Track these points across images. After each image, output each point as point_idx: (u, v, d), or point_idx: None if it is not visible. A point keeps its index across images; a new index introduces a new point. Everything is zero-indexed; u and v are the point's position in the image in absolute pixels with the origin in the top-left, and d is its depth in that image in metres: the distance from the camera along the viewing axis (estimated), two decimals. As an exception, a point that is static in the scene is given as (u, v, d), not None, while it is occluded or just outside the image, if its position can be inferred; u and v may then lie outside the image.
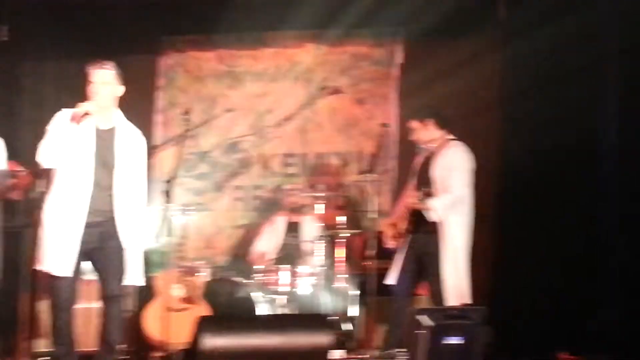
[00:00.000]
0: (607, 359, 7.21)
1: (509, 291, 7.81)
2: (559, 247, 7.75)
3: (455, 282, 6.76)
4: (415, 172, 7.13)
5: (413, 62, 9.04)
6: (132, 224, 5.96)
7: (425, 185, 6.86)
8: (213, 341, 5.96)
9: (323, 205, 7.81)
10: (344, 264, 7.61)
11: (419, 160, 7.13)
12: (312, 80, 9.33)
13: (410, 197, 6.94)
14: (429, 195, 6.72)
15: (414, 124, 7.08)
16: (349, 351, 7.16)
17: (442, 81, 8.43)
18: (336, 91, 9.23)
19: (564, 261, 7.70)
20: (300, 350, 6.07)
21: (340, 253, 7.60)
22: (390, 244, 7.10)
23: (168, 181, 6.87)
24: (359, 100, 9.26)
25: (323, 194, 7.85)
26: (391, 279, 7.05)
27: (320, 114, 9.26)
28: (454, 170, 6.84)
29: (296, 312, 7.46)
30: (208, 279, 7.90)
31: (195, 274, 7.75)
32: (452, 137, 7.04)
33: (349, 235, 7.69)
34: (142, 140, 6.12)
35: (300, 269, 7.60)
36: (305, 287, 7.56)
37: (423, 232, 6.89)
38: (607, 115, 8.05)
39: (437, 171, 6.89)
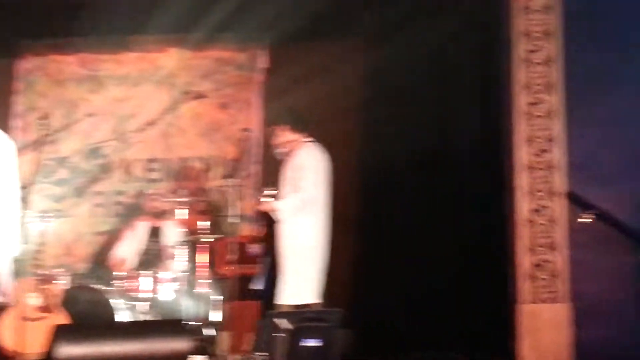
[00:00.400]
0: (458, 358, 7.42)
1: (369, 293, 7.95)
2: (418, 248, 7.93)
3: (301, 282, 6.80)
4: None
5: (276, 67, 9.11)
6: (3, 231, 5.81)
7: (277, 187, 6.91)
8: (68, 350, 5.88)
9: (185, 210, 7.81)
10: (207, 269, 7.61)
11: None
12: (175, 85, 9.30)
13: (259, 202, 6.97)
14: (272, 197, 6.75)
15: (272, 129, 7.13)
16: (210, 356, 7.15)
17: (305, 86, 8.50)
18: (199, 96, 9.20)
19: (423, 262, 7.88)
20: (158, 356, 6.04)
21: (203, 258, 7.60)
22: (252, 248, 7.14)
23: (24, 187, 6.73)
24: (223, 105, 9.28)
25: (185, 199, 7.86)
26: (257, 283, 7.07)
27: (183, 118, 9.24)
28: (304, 170, 6.85)
29: (158, 318, 7.42)
30: (67, 286, 7.78)
31: (53, 282, 7.62)
32: (307, 139, 7.08)
33: (211, 240, 7.69)
34: (10, 144, 5.95)
35: (162, 274, 7.57)
36: (167, 292, 7.54)
37: (275, 236, 6.92)
38: (462, 120, 8.28)
39: (289, 172, 6.92)
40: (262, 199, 6.84)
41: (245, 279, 7.37)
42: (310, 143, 7.03)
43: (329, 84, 8.56)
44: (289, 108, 7.52)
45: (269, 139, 7.45)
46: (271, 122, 7.24)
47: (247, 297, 7.36)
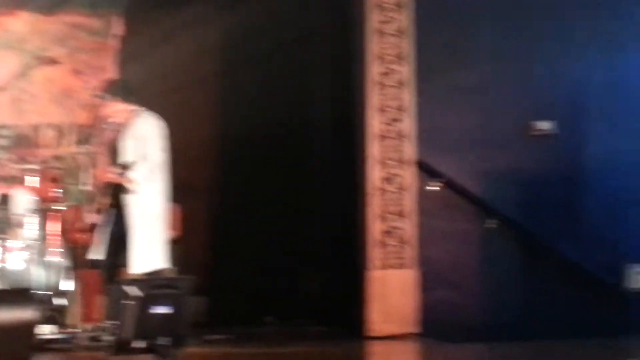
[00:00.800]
0: (311, 324, 7.57)
1: (223, 260, 7.99)
2: (273, 216, 8.01)
3: (149, 249, 6.78)
4: (107, 147, 7.07)
5: (131, 34, 8.98)
6: None
7: (120, 158, 6.84)
8: None
9: (36, 178, 7.64)
10: (58, 237, 7.48)
11: (109, 135, 7.09)
12: (26, 50, 9.04)
13: (108, 173, 6.89)
14: (126, 168, 6.71)
15: (102, 101, 7.03)
16: (60, 326, 7.04)
17: (161, 53, 8.43)
18: (52, 61, 8.99)
19: (278, 230, 7.96)
20: (5, 326, 5.91)
21: (54, 226, 7.47)
22: (90, 218, 7.02)
23: None
24: (76, 71, 9.07)
25: (36, 166, 7.69)
26: (96, 253, 6.95)
27: (35, 84, 9.00)
28: (148, 139, 6.82)
29: (7, 288, 7.26)
30: None
31: None
32: (138, 108, 6.99)
33: (62, 208, 7.56)
34: None
35: (11, 243, 7.41)
36: (16, 261, 7.38)
37: (123, 205, 6.86)
38: (318, 89, 8.38)
39: (130, 142, 6.88)
40: (112, 170, 6.77)
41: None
42: (147, 112, 6.98)
43: (186, 51, 8.51)
44: (120, 80, 7.40)
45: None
46: (101, 95, 7.11)
47: (88, 266, 7.24)
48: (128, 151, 6.85)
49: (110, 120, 7.04)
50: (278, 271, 7.87)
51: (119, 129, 6.96)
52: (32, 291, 6.68)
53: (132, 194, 6.76)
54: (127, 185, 6.76)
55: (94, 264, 6.96)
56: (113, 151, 6.96)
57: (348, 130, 8.01)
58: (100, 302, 7.28)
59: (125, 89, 7.03)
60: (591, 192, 7.48)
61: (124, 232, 6.90)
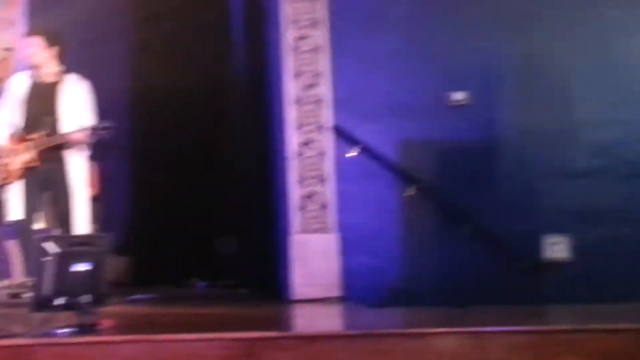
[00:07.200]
0: (234, 287, 7.55)
1: (144, 220, 7.89)
2: (194, 180, 7.95)
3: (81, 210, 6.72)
4: (28, 103, 6.85)
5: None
6: None
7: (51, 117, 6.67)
8: None
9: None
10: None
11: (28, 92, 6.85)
12: None
13: (46, 135, 6.70)
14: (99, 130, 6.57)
15: (37, 41, 6.83)
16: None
17: (72, 7, 8.23)
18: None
19: (195, 190, 7.91)
20: None
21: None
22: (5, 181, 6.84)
23: None
24: (-17, 23, 8.79)
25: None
26: (16, 213, 6.80)
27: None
28: (86, 102, 6.79)
29: None
30: None
31: None
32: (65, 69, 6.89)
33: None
34: None
35: None
36: None
37: (48, 163, 6.72)
38: (232, 52, 8.32)
39: (64, 104, 6.75)
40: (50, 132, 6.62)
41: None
42: (74, 74, 6.85)
43: (96, 4, 8.34)
44: (45, 23, 7.25)
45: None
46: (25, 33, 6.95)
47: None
48: (61, 112, 6.66)
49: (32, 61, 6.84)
50: (198, 233, 7.83)
51: (44, 86, 6.80)
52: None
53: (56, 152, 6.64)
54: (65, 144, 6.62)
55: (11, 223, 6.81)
56: (42, 109, 6.79)
57: (264, 94, 7.98)
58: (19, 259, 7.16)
59: (50, 32, 6.87)
60: (507, 163, 7.61)
61: (46, 189, 6.77)
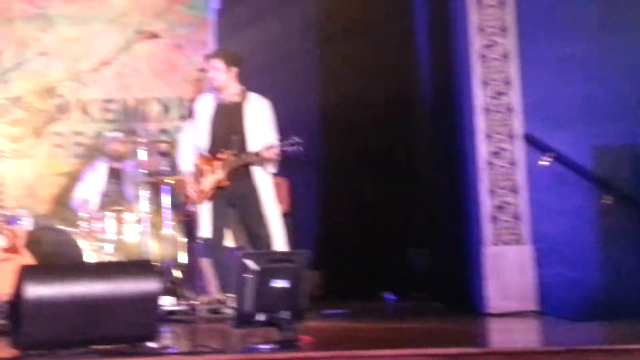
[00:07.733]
0: (426, 300, 7.54)
1: (334, 233, 8.00)
2: (380, 189, 8.00)
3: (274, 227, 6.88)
4: (214, 124, 7.02)
5: (229, 7, 9.01)
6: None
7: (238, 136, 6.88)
8: (37, 290, 5.75)
9: (145, 151, 7.73)
10: (170, 210, 7.55)
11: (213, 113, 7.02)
12: (127, 24, 9.14)
13: (233, 154, 6.90)
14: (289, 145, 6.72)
15: (217, 64, 6.99)
16: (179, 298, 7.11)
17: (259, 26, 8.45)
18: (152, 36, 9.07)
19: (385, 203, 7.95)
20: (128, 297, 5.97)
21: (166, 199, 7.54)
22: (194, 199, 7.04)
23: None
24: (177, 45, 9.17)
25: (145, 140, 7.78)
26: (206, 231, 6.99)
27: (138, 58, 9.11)
28: (269, 122, 6.92)
29: (125, 260, 7.38)
30: (30, 227, 7.68)
31: (17, 223, 7.51)
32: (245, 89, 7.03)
33: (172, 182, 7.62)
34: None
35: (126, 216, 7.51)
36: (132, 234, 7.49)
37: (236, 181, 6.90)
38: (419, 61, 8.33)
39: (249, 123, 6.91)
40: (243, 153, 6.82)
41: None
42: (254, 94, 7.01)
43: (283, 23, 8.52)
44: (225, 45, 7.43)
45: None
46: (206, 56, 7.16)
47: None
48: (247, 132, 6.87)
49: (216, 93, 7.03)
50: (389, 246, 7.87)
51: (231, 107, 6.99)
52: (155, 263, 6.77)
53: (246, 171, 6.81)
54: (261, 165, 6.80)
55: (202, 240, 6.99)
56: (228, 130, 6.98)
57: (450, 103, 7.94)
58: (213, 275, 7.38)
59: (231, 55, 7.03)
60: None
61: (234, 207, 6.94)
